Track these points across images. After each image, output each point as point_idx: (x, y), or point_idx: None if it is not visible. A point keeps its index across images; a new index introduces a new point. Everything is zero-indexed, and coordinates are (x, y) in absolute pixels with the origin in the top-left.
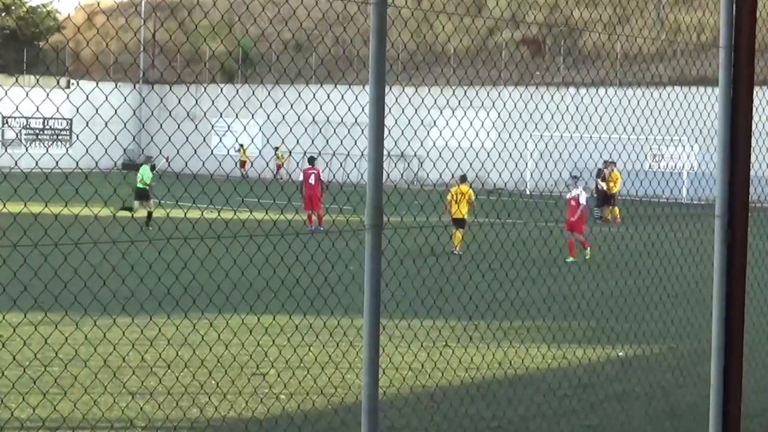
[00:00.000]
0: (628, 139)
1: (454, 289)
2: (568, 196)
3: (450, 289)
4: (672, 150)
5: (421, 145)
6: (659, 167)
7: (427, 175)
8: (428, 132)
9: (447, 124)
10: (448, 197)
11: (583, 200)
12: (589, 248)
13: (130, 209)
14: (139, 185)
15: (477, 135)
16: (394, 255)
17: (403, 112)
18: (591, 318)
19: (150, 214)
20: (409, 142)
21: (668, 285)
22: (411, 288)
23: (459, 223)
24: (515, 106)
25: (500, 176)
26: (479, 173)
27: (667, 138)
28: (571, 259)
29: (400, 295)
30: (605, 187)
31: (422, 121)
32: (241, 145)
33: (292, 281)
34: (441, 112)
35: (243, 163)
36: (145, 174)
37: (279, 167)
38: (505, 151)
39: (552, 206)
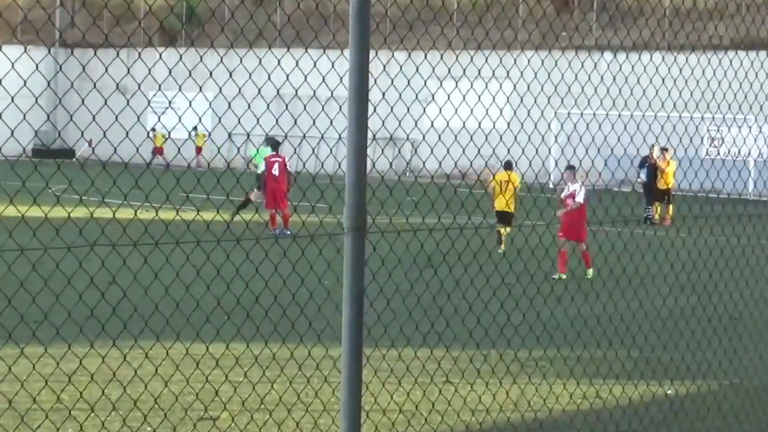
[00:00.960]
0: (679, 117)
1: (458, 309)
2: (564, 194)
3: (452, 310)
4: (735, 132)
5: (416, 125)
6: (718, 154)
7: (423, 164)
8: (424, 109)
9: (449, 98)
10: (492, 185)
11: (581, 198)
12: (592, 268)
13: (244, 205)
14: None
15: (487, 113)
16: (380, 266)
17: (392, 83)
18: (632, 346)
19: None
20: (399, 122)
21: (729, 304)
22: (402, 308)
23: (505, 218)
24: (535, 76)
25: (516, 166)
26: (489, 162)
27: (729, 117)
28: (558, 275)
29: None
30: (658, 179)
31: (417, 95)
32: (195, 128)
33: (250, 299)
34: (441, 84)
35: (199, 150)
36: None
37: (198, 151)
38: (522, 134)
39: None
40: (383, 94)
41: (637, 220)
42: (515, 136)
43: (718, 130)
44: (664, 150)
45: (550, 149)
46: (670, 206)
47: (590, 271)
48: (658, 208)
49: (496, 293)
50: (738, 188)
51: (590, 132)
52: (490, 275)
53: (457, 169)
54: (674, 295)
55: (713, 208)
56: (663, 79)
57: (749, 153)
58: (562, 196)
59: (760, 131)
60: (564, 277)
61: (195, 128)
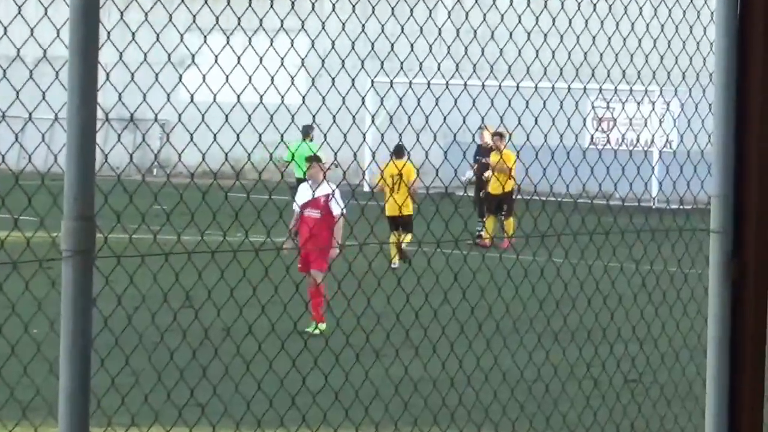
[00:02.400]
0: (552, 90)
1: (229, 371)
2: (303, 199)
3: (221, 370)
4: (631, 110)
5: (168, 101)
6: (608, 142)
7: (179, 158)
8: (180, 77)
9: (216, 61)
10: (378, 181)
11: (336, 209)
12: (324, 323)
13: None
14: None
15: (272, 82)
16: (116, 306)
17: (133, 38)
18: None
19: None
20: (144, 96)
21: (624, 362)
22: (148, 367)
23: (401, 223)
24: (343, 28)
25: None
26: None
27: (623, 89)
28: (315, 326)
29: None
30: (488, 180)
31: (169, 56)
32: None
33: None
34: (205, 40)
35: None
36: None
37: None
38: (324, 112)
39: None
40: (120, 54)
41: (473, 240)
42: (313, 116)
43: (608, 108)
44: (497, 136)
45: (364, 135)
46: (510, 220)
47: (317, 326)
48: (501, 224)
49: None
50: (636, 191)
51: (423, 110)
52: (276, 321)
53: (229, 164)
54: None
55: (600, 220)
56: (528, 34)
57: (652, 140)
58: (300, 201)
59: (668, 109)
60: (322, 328)
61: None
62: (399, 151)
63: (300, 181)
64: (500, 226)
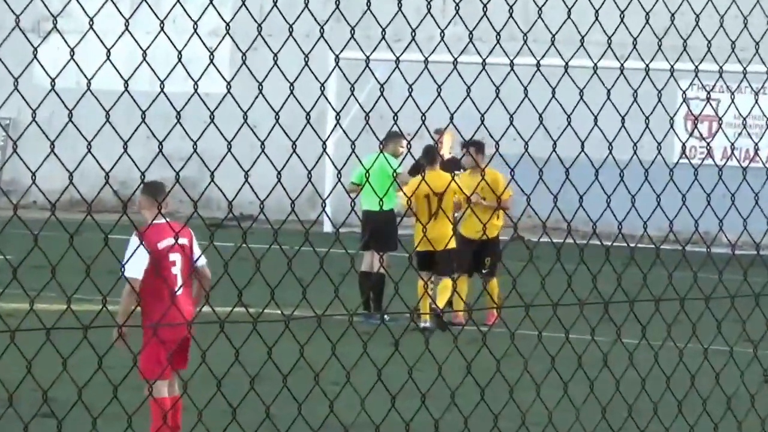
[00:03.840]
0: (621, 70)
1: None
2: (163, 244)
3: None
4: (746, 104)
5: (16, 89)
6: (708, 152)
7: (33, 179)
8: (35, 51)
9: (91, 26)
10: (405, 195)
11: (199, 259)
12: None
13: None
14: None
15: None
16: None
17: None
18: None
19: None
20: None
21: None
22: None
23: (438, 260)
24: None
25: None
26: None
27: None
28: None
29: None
30: (461, 214)
31: (18, 18)
32: None
33: None
34: None
35: None
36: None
37: None
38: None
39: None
40: None
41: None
42: (244, 112)
43: (708, 100)
44: (470, 147)
45: (324, 144)
46: (494, 281)
47: None
48: (464, 286)
49: None
50: (755, 232)
51: (416, 103)
52: None
53: (111, 188)
54: None
55: (696, 278)
56: None
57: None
58: (162, 246)
59: None
60: None
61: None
62: (432, 156)
63: (375, 215)
64: (487, 284)
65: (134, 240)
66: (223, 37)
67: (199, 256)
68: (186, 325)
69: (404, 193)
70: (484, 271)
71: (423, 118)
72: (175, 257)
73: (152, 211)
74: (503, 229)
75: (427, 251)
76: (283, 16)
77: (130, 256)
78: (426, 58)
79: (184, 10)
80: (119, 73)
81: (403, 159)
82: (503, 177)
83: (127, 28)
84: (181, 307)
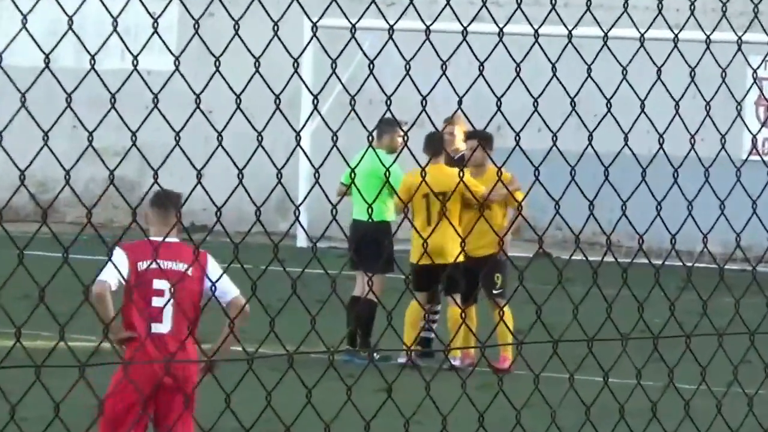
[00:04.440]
0: (675, 42)
1: None
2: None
3: None
4: None
5: None
6: None
7: None
8: None
9: None
10: (403, 205)
11: (226, 290)
12: None
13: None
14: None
15: None
16: None
17: None
18: None
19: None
20: None
21: None
22: None
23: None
24: None
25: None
26: None
27: None
28: None
29: None
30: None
31: None
32: None
33: None
34: None
35: None
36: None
37: None
38: None
39: None
40: None
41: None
42: (197, 95)
43: None
44: (479, 140)
45: (298, 134)
46: (507, 311)
47: None
48: (473, 316)
49: None
50: None
51: (416, 85)
52: None
53: (28, 192)
54: None
55: None
56: None
57: None
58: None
59: None
60: None
61: None
62: (434, 146)
63: (364, 227)
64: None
65: (116, 253)
66: (170, 0)
67: (215, 283)
68: (164, 367)
69: (397, 195)
70: (495, 292)
71: (423, 103)
72: (163, 286)
73: (160, 227)
74: (509, 243)
75: (425, 265)
76: None
77: (101, 269)
78: (427, 27)
79: None
80: (38, 45)
81: (398, 155)
82: (513, 176)
83: None
84: (163, 349)
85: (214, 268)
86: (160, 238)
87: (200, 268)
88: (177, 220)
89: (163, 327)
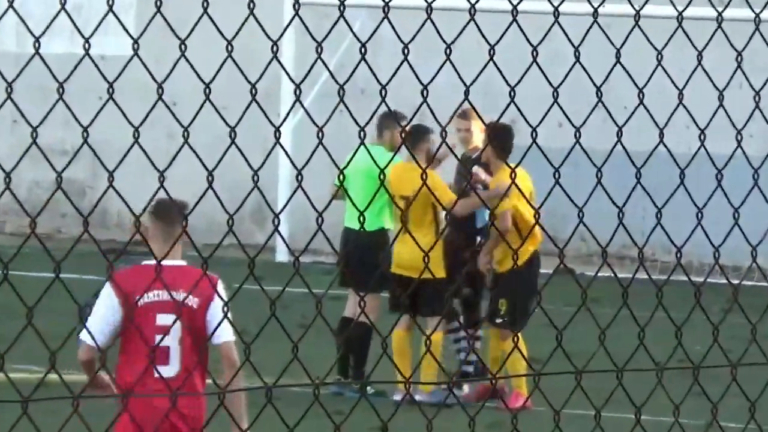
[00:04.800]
0: (719, 23)
1: None
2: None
3: None
4: None
5: None
6: None
7: None
8: None
9: None
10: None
11: (219, 333)
12: None
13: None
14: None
15: None
16: None
17: None
18: None
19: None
20: None
21: None
22: None
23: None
24: None
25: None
26: None
27: None
28: None
29: None
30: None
31: None
32: None
33: None
34: None
35: None
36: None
37: None
38: None
39: None
40: None
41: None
42: (159, 85)
43: None
44: (493, 134)
45: (278, 129)
46: (520, 338)
47: None
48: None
49: None
50: None
51: (415, 73)
52: None
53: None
54: None
55: None
56: None
57: None
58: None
59: None
60: None
61: None
62: (416, 137)
63: (355, 236)
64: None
65: (103, 293)
66: None
67: (218, 327)
68: (171, 405)
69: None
70: (498, 321)
71: (425, 93)
72: (166, 320)
73: (161, 243)
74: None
75: (400, 277)
76: None
77: (91, 312)
78: (429, 4)
79: None
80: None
81: (395, 153)
82: (526, 174)
83: None
84: (168, 390)
85: (219, 299)
86: (163, 260)
87: (205, 298)
88: (180, 235)
89: (170, 369)
